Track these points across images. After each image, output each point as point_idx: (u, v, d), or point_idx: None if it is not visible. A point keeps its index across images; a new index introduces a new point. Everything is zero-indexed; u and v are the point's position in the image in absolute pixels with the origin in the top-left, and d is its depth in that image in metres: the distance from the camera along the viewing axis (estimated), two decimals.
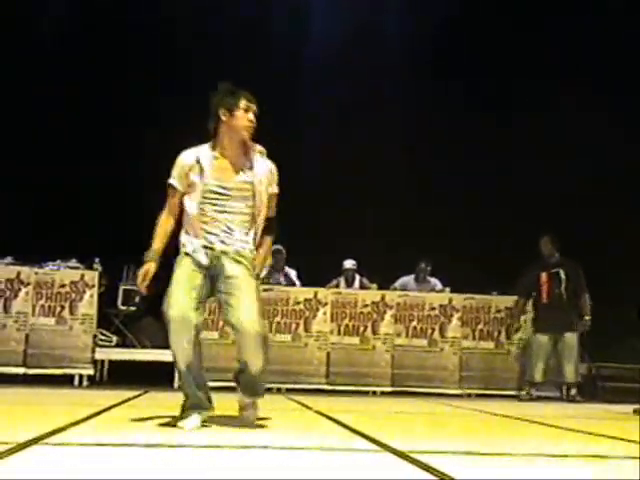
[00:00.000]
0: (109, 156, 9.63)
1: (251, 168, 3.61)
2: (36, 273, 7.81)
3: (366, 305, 8.21)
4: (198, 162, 3.58)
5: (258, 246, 3.68)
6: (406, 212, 9.80)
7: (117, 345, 8.27)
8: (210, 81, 3.66)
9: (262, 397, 3.63)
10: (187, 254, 3.55)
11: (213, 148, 3.63)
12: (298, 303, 8.12)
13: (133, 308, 8.35)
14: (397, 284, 8.88)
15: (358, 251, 8.90)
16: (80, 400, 5.77)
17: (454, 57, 10.69)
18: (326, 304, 8.15)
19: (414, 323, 8.25)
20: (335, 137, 10.48)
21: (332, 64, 10.90)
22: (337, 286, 8.68)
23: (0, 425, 3.53)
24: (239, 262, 3.53)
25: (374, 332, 8.16)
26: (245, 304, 3.45)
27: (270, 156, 3.72)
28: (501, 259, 8.97)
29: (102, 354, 8.09)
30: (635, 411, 5.53)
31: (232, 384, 3.71)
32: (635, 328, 6.89)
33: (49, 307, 7.74)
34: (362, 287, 8.68)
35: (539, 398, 7.91)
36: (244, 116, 3.57)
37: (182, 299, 3.44)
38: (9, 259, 7.96)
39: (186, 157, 3.63)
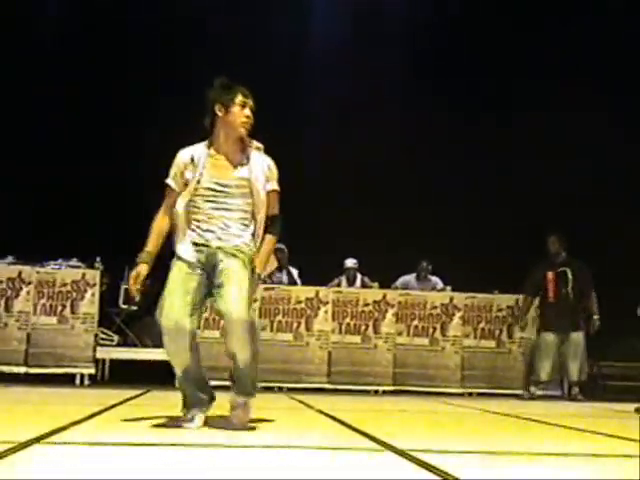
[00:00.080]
0: (109, 156, 9.63)
1: (247, 164, 3.56)
2: (37, 272, 7.82)
3: (367, 304, 8.21)
4: (192, 160, 3.54)
5: (260, 245, 3.59)
6: (406, 212, 9.79)
7: (118, 344, 8.27)
8: (210, 81, 3.65)
9: (254, 397, 3.50)
10: (179, 257, 3.50)
11: (209, 145, 3.59)
12: (299, 302, 8.12)
13: (134, 307, 8.34)
14: (398, 283, 8.89)
15: (358, 251, 8.91)
16: (81, 399, 5.78)
17: (454, 57, 10.69)
18: (327, 303, 8.15)
19: (415, 322, 8.25)
20: (335, 137, 10.47)
21: (332, 64, 10.90)
22: (338, 285, 8.69)
23: (1, 424, 3.53)
24: (235, 256, 3.46)
25: (375, 331, 8.16)
26: (234, 294, 3.36)
27: (270, 156, 3.70)
28: (501, 259, 8.96)
29: (103, 353, 8.10)
30: (636, 410, 5.52)
31: None
32: (635, 327, 6.88)
33: (50, 306, 7.75)
34: (363, 286, 8.69)
35: (541, 397, 7.90)
36: (240, 112, 3.53)
37: (176, 305, 3.39)
38: (10, 258, 7.97)
39: (182, 155, 3.60)
